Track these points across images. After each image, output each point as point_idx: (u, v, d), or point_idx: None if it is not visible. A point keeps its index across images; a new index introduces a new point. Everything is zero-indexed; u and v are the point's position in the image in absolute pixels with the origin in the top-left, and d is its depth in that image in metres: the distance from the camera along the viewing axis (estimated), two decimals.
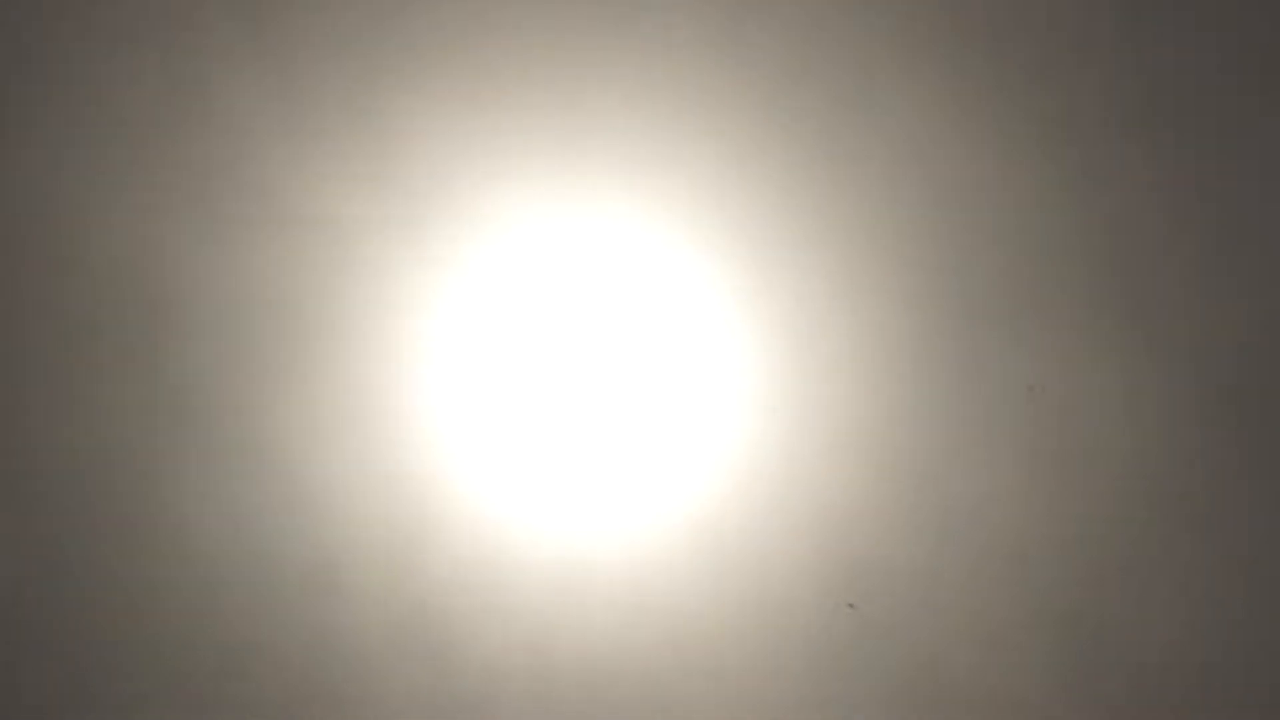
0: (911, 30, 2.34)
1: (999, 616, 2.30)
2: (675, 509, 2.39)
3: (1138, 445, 2.27)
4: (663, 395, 2.40)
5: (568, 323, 2.42)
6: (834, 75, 2.34)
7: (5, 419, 2.41)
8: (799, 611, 2.34)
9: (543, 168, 2.39)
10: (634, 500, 2.40)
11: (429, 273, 2.42)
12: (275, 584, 2.39)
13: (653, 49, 2.38)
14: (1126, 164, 2.29)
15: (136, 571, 2.40)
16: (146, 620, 2.40)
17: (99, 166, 2.42)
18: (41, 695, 2.41)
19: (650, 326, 2.40)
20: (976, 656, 2.30)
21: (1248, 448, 2.26)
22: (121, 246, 2.42)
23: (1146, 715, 2.28)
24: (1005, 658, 2.30)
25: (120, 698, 2.42)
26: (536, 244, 2.40)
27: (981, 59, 2.33)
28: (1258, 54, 2.27)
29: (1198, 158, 2.28)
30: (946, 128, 2.32)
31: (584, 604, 2.38)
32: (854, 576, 2.33)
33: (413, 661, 2.38)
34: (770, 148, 2.35)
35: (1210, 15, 2.27)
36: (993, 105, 2.32)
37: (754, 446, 2.37)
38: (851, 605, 2.29)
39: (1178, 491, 2.26)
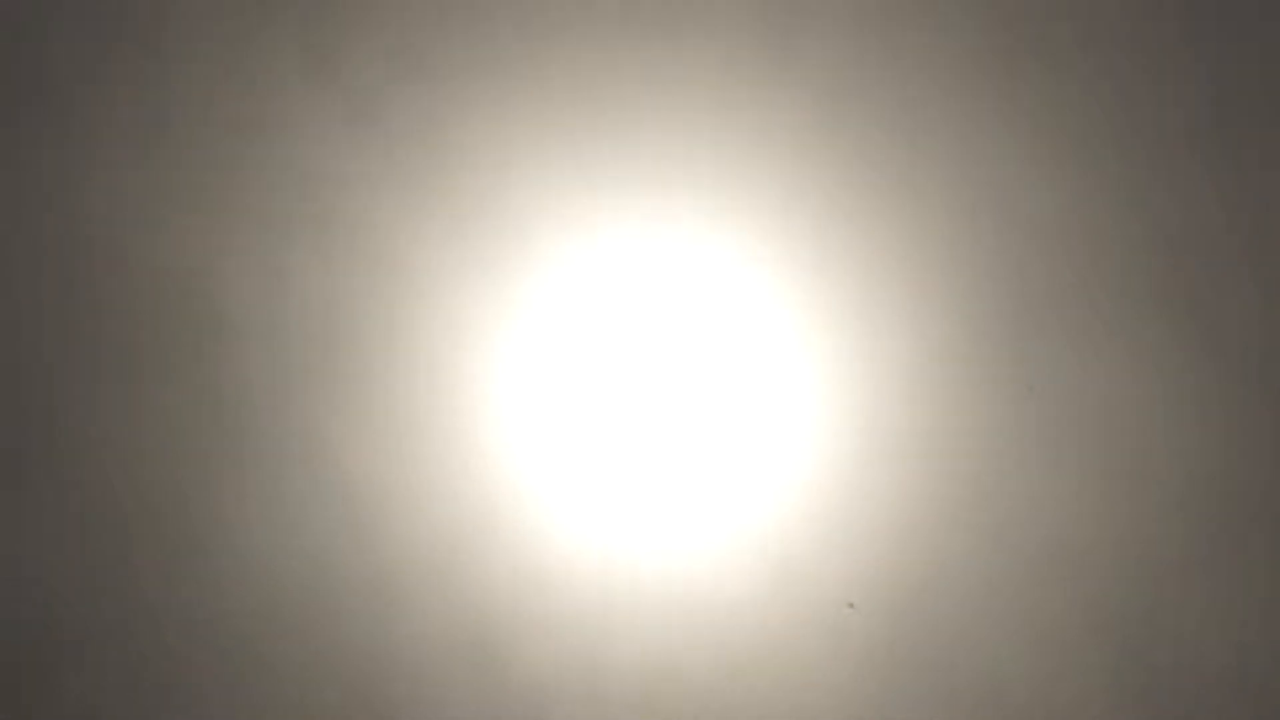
0: (967, 46, 2.31)
1: (1055, 623, 2.26)
2: (734, 524, 2.37)
3: (1191, 448, 2.24)
4: (723, 412, 2.39)
5: (630, 336, 2.41)
6: (891, 94, 2.33)
7: (59, 423, 2.41)
8: (854, 623, 2.32)
9: (609, 184, 2.38)
10: (693, 515, 2.39)
11: (489, 286, 2.41)
12: (326, 593, 2.39)
13: (715, 72, 2.36)
14: (1183, 174, 2.25)
15: (185, 577, 2.39)
16: (196, 629, 2.39)
17: (154, 187, 2.41)
18: (85, 703, 2.40)
19: (711, 342, 2.39)
20: (1033, 663, 2.27)
21: None
22: (178, 256, 2.41)
23: None
24: (1061, 665, 2.26)
25: (170, 704, 2.41)
26: (601, 259, 2.39)
27: (1037, 73, 2.29)
28: None
29: (1259, 166, 2.24)
30: (1007, 145, 2.30)
31: (637, 618, 2.37)
32: (908, 588, 2.32)
33: (467, 671, 2.37)
34: (835, 167, 2.35)
35: (1273, 22, 2.24)
36: (1054, 123, 2.29)
37: (814, 462, 2.35)
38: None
39: (1236, 495, 2.23)
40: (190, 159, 2.42)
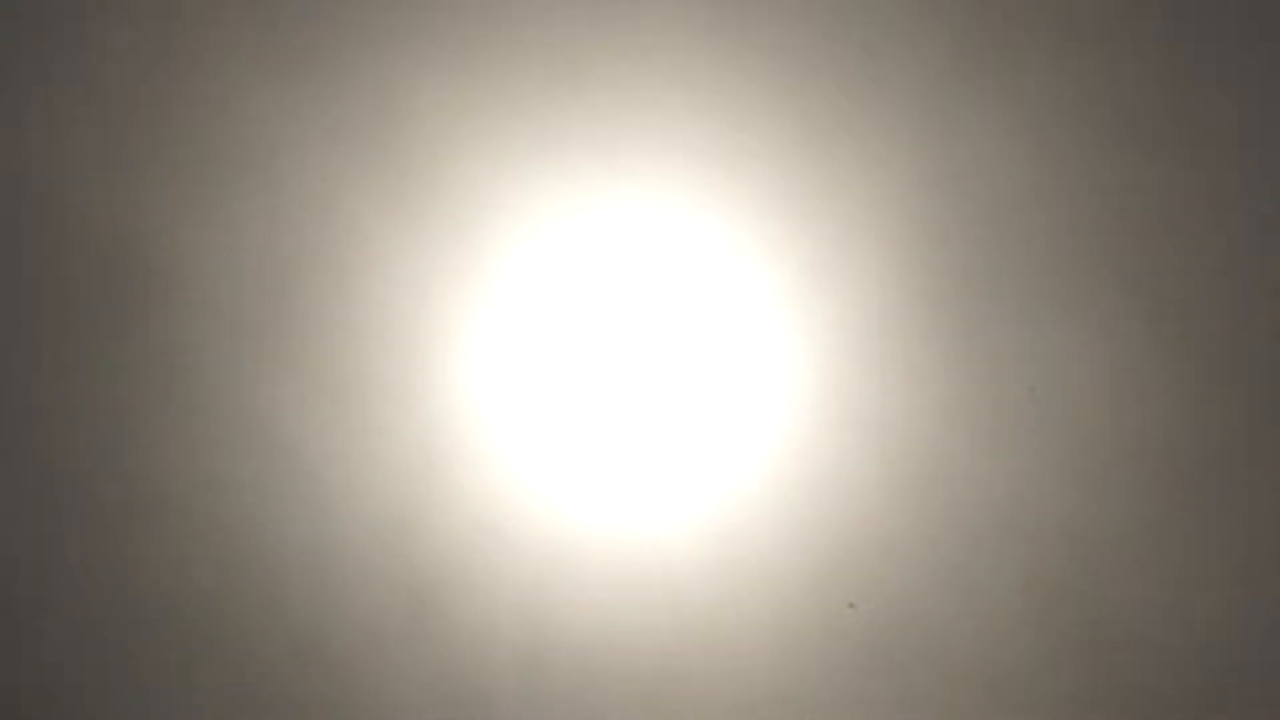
0: (933, 24, 2.28)
1: (1004, 595, 2.31)
2: (683, 495, 2.38)
3: (1140, 425, 2.26)
4: (691, 392, 2.38)
5: (589, 300, 2.40)
6: (854, 67, 2.31)
7: (1, 383, 2.44)
8: (798, 596, 2.34)
9: (568, 147, 2.37)
10: (644, 483, 2.39)
11: (441, 248, 2.41)
12: (271, 552, 2.41)
13: (695, 40, 2.35)
14: (1141, 151, 2.25)
15: (130, 537, 2.42)
16: (142, 588, 2.43)
17: (98, 142, 2.42)
18: (35, 661, 2.42)
19: (682, 321, 2.38)
20: (981, 635, 2.32)
21: (1236, 420, 2.23)
22: (122, 213, 2.43)
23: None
24: (1010, 637, 2.32)
25: (112, 664, 2.43)
26: (561, 224, 2.39)
27: (998, 50, 2.27)
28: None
29: (1216, 143, 2.23)
30: (998, 137, 2.28)
31: (583, 582, 2.40)
32: (860, 560, 2.33)
33: (410, 630, 2.40)
34: (797, 143, 2.32)
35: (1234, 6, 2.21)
36: (1019, 100, 2.27)
37: (784, 444, 2.36)
38: (852, 605, 2.26)
39: (1184, 471, 2.26)
40: (135, 117, 2.44)
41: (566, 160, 2.37)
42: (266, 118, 2.41)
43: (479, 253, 2.40)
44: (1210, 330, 2.23)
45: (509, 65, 2.38)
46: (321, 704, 2.43)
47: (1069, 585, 2.28)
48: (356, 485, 2.42)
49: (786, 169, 2.33)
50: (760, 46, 2.31)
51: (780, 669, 2.35)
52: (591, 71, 2.36)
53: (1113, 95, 2.23)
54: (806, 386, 2.33)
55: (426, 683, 2.41)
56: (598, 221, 2.37)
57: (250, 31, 2.39)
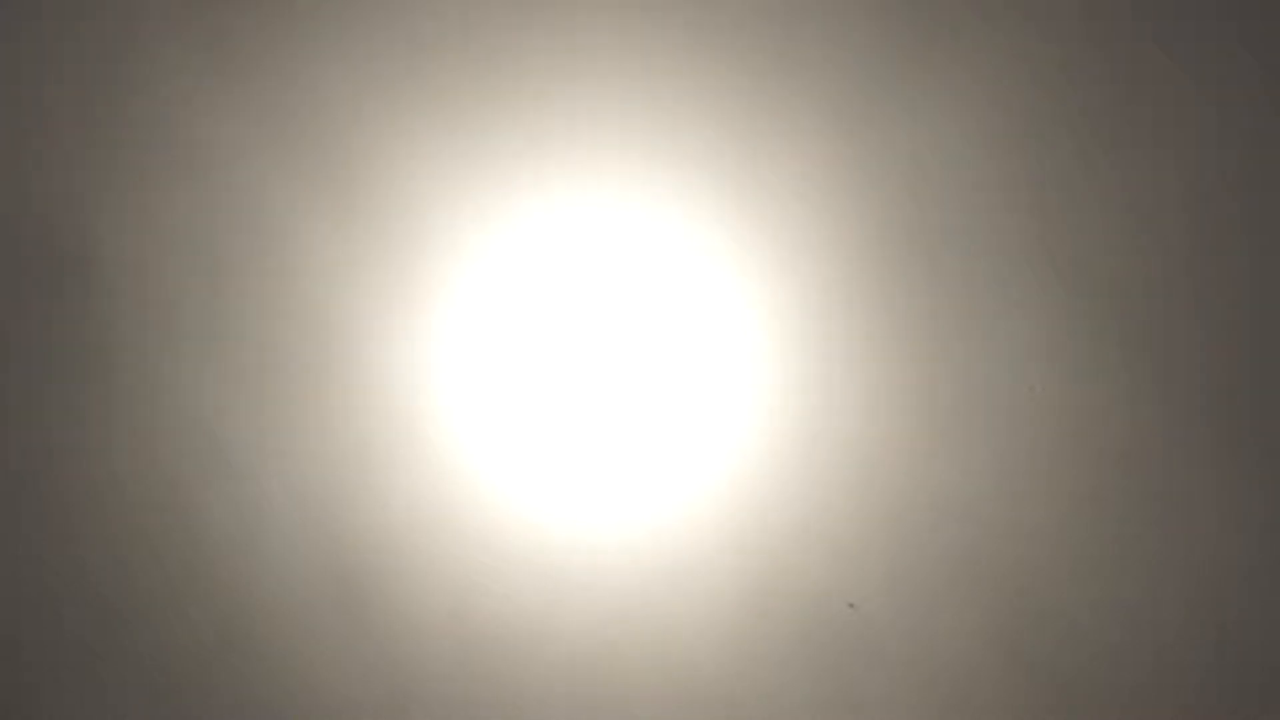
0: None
1: (929, 577, 2.33)
2: (612, 481, 2.38)
3: (1063, 405, 2.31)
4: (666, 393, 2.38)
5: (533, 307, 2.39)
6: (847, 77, 2.33)
7: None
8: (730, 578, 2.35)
9: (551, 161, 2.37)
10: (598, 489, 2.39)
11: (366, 234, 2.38)
12: (191, 540, 2.38)
13: (658, 43, 2.35)
14: (1067, 131, 2.31)
15: (47, 528, 2.38)
16: (59, 580, 2.39)
17: (26, 139, 2.38)
18: None
19: (657, 324, 2.38)
20: (908, 617, 2.34)
21: (1172, 416, 2.30)
22: (40, 195, 2.38)
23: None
24: (936, 619, 2.34)
25: (34, 661, 2.38)
26: (493, 222, 2.38)
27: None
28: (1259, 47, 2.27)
29: (1150, 123, 2.31)
30: (964, 131, 2.32)
31: (505, 567, 2.39)
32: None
33: (332, 612, 2.39)
34: (783, 148, 2.33)
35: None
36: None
37: (758, 445, 2.36)
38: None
39: (1105, 451, 2.32)
40: (55, 96, 2.39)
41: (518, 161, 2.35)
42: (188, 108, 2.36)
43: (408, 239, 2.37)
44: (1155, 326, 2.29)
45: (451, 67, 2.36)
46: (250, 696, 2.39)
47: (989, 564, 2.33)
48: (287, 479, 2.37)
49: (747, 167, 2.33)
50: (718, 45, 2.32)
51: (721, 666, 2.37)
52: (541, 70, 2.34)
53: (1081, 89, 2.29)
54: (770, 387, 2.34)
55: (356, 674, 2.38)
56: (552, 222, 2.36)
57: (190, 36, 2.36)
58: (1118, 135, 2.33)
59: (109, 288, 2.37)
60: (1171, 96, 2.30)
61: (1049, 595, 2.32)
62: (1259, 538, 2.29)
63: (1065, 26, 2.31)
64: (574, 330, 2.39)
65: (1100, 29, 2.32)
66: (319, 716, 2.38)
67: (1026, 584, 2.32)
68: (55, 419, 2.37)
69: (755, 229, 2.36)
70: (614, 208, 2.37)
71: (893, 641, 2.32)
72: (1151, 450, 2.31)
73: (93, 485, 2.37)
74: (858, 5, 2.34)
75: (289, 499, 2.37)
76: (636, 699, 2.37)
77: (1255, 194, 2.31)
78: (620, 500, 2.38)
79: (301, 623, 2.37)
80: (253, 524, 2.37)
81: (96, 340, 2.37)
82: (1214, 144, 2.31)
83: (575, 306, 2.39)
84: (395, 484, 2.38)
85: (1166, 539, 2.31)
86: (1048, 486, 2.32)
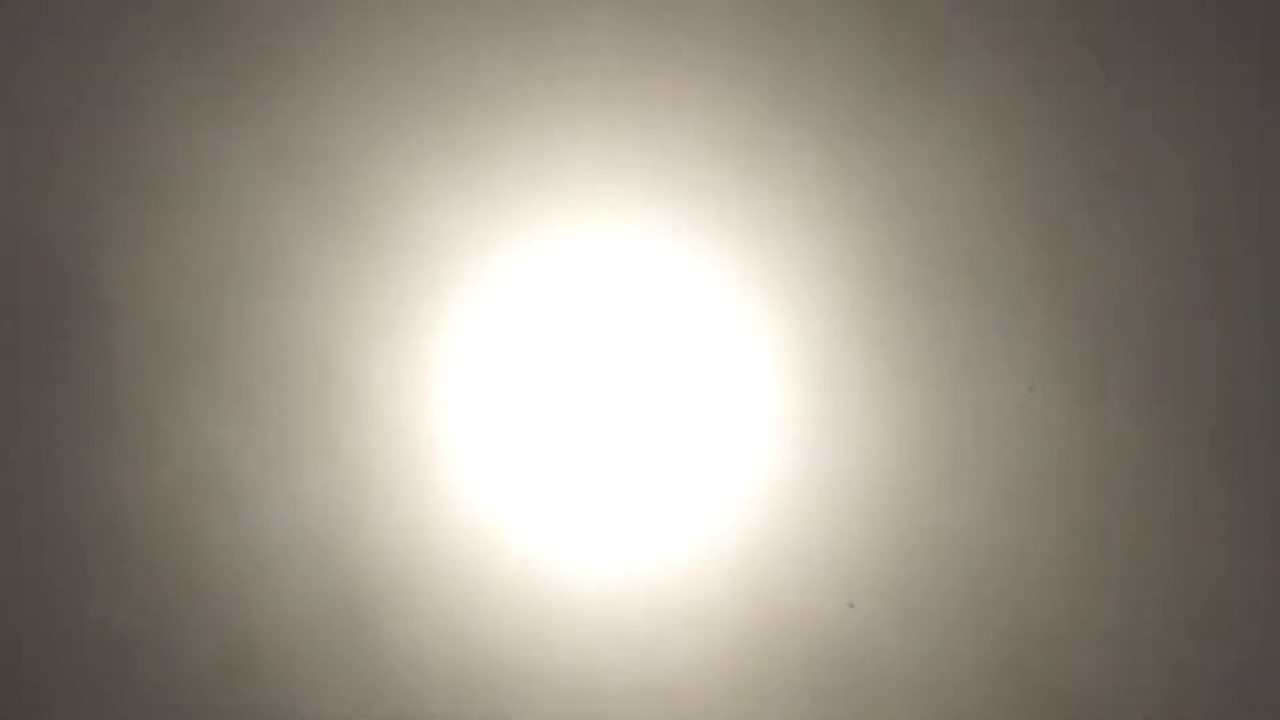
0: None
1: (932, 602, 2.33)
2: (678, 533, 2.38)
3: (1059, 427, 2.32)
4: (666, 422, 2.39)
5: (570, 334, 2.40)
6: (847, 93, 2.35)
7: None
8: (723, 612, 2.35)
9: (552, 191, 2.38)
10: (636, 523, 2.39)
11: (364, 262, 2.39)
12: (198, 572, 2.37)
13: (659, 77, 2.38)
14: (1065, 154, 2.33)
15: (55, 561, 2.37)
16: (60, 614, 2.36)
17: (28, 159, 2.39)
18: None
19: (663, 341, 2.39)
20: (911, 642, 2.33)
21: (1154, 434, 2.31)
22: (44, 227, 2.39)
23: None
24: (939, 642, 2.34)
25: (33, 687, 2.36)
26: (533, 268, 2.39)
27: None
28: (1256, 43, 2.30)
29: (1145, 147, 2.32)
30: (962, 156, 2.34)
31: (507, 600, 2.38)
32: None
33: (336, 641, 2.38)
34: (782, 180, 2.36)
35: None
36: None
37: (760, 474, 2.37)
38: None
39: (1100, 474, 2.33)
40: (67, 135, 2.40)
41: (519, 188, 2.37)
42: (190, 140, 2.38)
43: (413, 274, 2.38)
44: (1156, 346, 2.31)
45: (452, 94, 2.38)
46: (252, 717, 2.38)
47: (990, 588, 2.33)
48: (287, 502, 2.37)
49: (766, 195, 2.35)
50: (717, 80, 2.35)
51: (723, 693, 2.35)
52: (542, 98, 2.37)
53: (1078, 112, 2.31)
54: (772, 418, 2.35)
55: (355, 699, 2.36)
56: (554, 252, 2.37)
57: (189, 62, 2.38)
58: (1117, 158, 2.34)
59: (111, 309, 2.38)
60: (1170, 119, 2.32)
61: (1056, 618, 2.31)
62: (1264, 556, 2.28)
63: (1062, 52, 2.34)
64: (574, 356, 2.39)
65: (1097, 53, 2.34)
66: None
67: (1033, 607, 2.31)
68: (56, 440, 2.37)
69: (756, 260, 2.37)
70: (614, 239, 2.39)
71: (901, 667, 2.31)
72: (1155, 471, 2.31)
73: (94, 507, 2.36)
74: (856, 38, 2.36)
75: (289, 521, 2.37)
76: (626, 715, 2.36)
77: (1256, 213, 2.32)
78: (620, 528, 2.37)
79: (302, 645, 2.36)
80: (253, 546, 2.37)
81: (98, 361, 2.38)
82: (1215, 165, 2.33)
83: (576, 334, 2.39)
84: (395, 507, 2.38)
85: (1172, 559, 2.30)
86: (1052, 509, 2.32)
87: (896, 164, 2.35)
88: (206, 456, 2.37)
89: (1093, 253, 2.34)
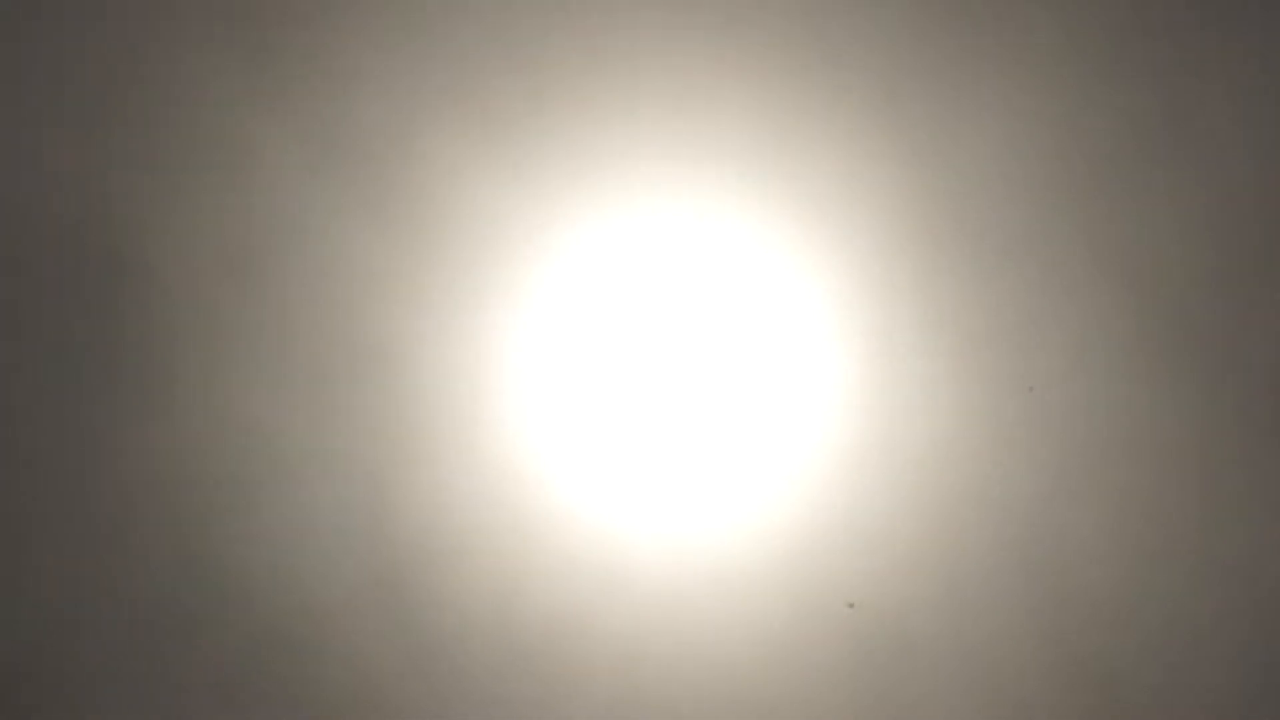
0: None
1: (966, 565, 2.32)
2: (726, 507, 2.39)
3: (1089, 388, 2.32)
4: (715, 395, 2.39)
5: (623, 311, 2.41)
6: (900, 69, 2.34)
7: None
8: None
9: (591, 168, 2.39)
10: (684, 497, 2.39)
11: (397, 236, 2.41)
12: (239, 547, 2.40)
13: (708, 44, 2.38)
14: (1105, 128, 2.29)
15: (83, 536, 2.40)
16: (94, 587, 2.40)
17: (70, 137, 2.41)
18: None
19: (718, 316, 2.39)
20: (945, 606, 2.34)
21: (1193, 410, 2.30)
22: (75, 200, 2.42)
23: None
24: (973, 606, 2.33)
25: (63, 650, 2.42)
26: (598, 237, 2.41)
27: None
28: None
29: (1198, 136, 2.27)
30: (1008, 129, 2.32)
31: (551, 568, 2.40)
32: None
33: (375, 613, 2.41)
34: (838, 138, 2.35)
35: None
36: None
37: (826, 433, 2.37)
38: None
39: (1128, 430, 2.32)
40: (110, 114, 2.42)
41: (561, 167, 2.38)
42: (221, 111, 2.41)
43: (459, 252, 2.40)
44: (1202, 321, 2.28)
45: (492, 72, 2.38)
46: (294, 692, 2.43)
47: (1025, 552, 2.32)
48: (335, 479, 2.40)
49: (813, 168, 2.34)
50: (779, 45, 2.33)
51: (765, 669, 2.36)
52: (600, 80, 2.37)
53: (1125, 83, 2.29)
54: (823, 391, 2.35)
55: (401, 671, 2.41)
56: (684, 253, 2.38)
57: (237, 53, 2.40)
58: (1161, 131, 2.28)
59: (158, 289, 2.42)
60: (1219, 91, 2.25)
61: (1099, 595, 2.29)
62: None
63: (1111, 19, 2.28)
64: (628, 333, 2.40)
65: (1144, 23, 2.27)
66: (367, 714, 2.43)
67: (1076, 584, 2.30)
68: (103, 421, 2.41)
69: (811, 235, 2.36)
70: (668, 214, 2.38)
71: (941, 643, 2.31)
72: (1200, 447, 2.27)
73: (142, 486, 2.41)
74: (903, 12, 2.33)
75: (337, 500, 2.41)
76: (680, 698, 2.38)
77: None
78: (668, 501, 2.38)
79: (345, 617, 2.41)
80: (302, 525, 2.41)
81: (146, 341, 2.42)
82: (1260, 138, 2.25)
83: (630, 311, 2.40)
84: (441, 485, 2.40)
85: (1216, 537, 2.26)
86: (1098, 485, 2.29)
87: (950, 137, 2.32)
88: (255, 433, 2.41)
89: (1141, 226, 2.28)
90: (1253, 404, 2.25)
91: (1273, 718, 2.24)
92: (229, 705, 2.42)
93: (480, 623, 2.39)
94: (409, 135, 2.41)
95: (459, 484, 2.40)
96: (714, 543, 2.37)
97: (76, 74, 2.42)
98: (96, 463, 2.42)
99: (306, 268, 2.42)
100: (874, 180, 2.34)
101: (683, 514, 2.38)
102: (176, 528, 2.42)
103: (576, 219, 2.40)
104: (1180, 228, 2.28)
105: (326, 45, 2.42)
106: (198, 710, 2.41)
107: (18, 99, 2.41)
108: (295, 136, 2.42)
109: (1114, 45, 2.29)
